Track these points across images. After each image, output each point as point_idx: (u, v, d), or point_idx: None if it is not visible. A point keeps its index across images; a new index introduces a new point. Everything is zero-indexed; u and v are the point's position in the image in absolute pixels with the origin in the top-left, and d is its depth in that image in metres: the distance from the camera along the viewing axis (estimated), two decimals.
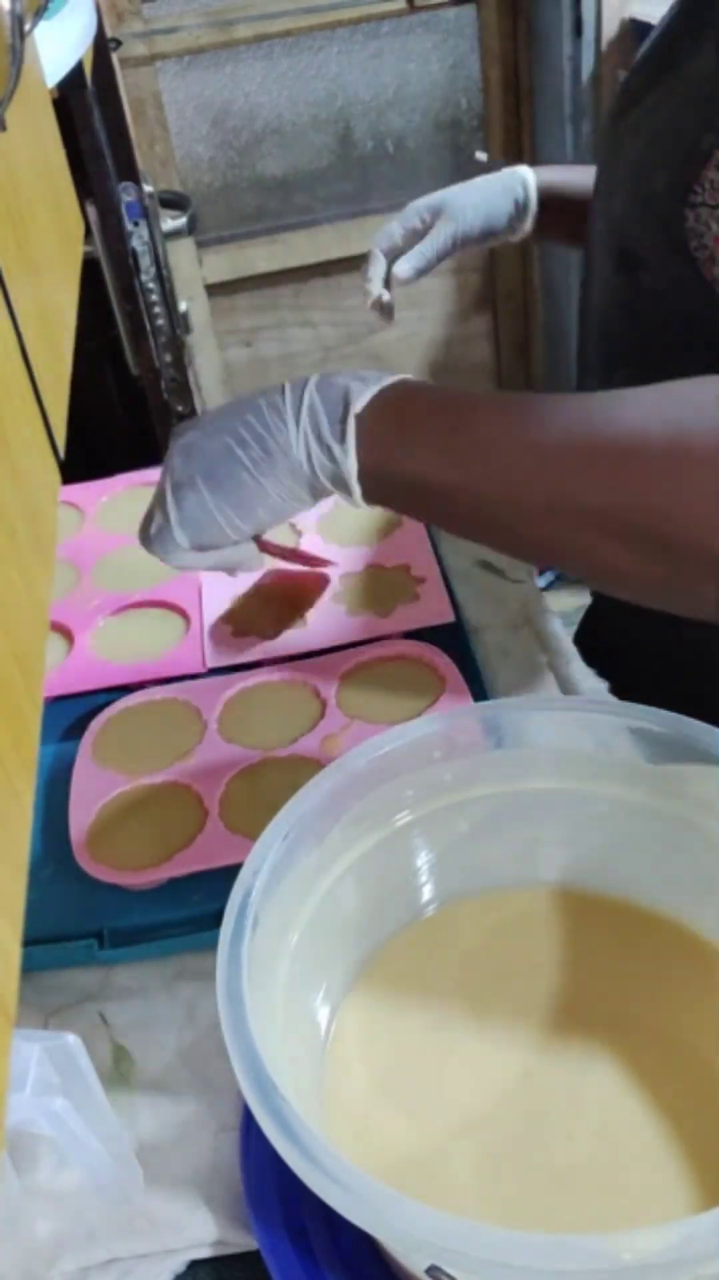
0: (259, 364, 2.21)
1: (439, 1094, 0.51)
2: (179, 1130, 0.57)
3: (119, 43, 1.69)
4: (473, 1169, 0.48)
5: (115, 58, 1.50)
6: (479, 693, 0.77)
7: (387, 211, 2.21)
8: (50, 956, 0.65)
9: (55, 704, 0.81)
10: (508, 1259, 0.35)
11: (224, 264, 2.11)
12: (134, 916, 0.66)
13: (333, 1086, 0.50)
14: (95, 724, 0.77)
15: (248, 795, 0.71)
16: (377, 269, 0.78)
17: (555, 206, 0.78)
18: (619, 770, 0.54)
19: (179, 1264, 0.53)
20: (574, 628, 0.91)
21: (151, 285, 1.37)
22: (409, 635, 0.82)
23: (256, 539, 0.60)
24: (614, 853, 0.57)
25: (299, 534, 0.93)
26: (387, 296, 0.78)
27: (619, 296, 0.65)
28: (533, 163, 0.80)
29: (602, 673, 0.81)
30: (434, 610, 0.84)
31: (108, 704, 0.79)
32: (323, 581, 0.87)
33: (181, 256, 1.95)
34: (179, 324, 1.53)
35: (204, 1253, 0.53)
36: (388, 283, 0.78)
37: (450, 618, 0.83)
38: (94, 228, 1.27)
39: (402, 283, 0.76)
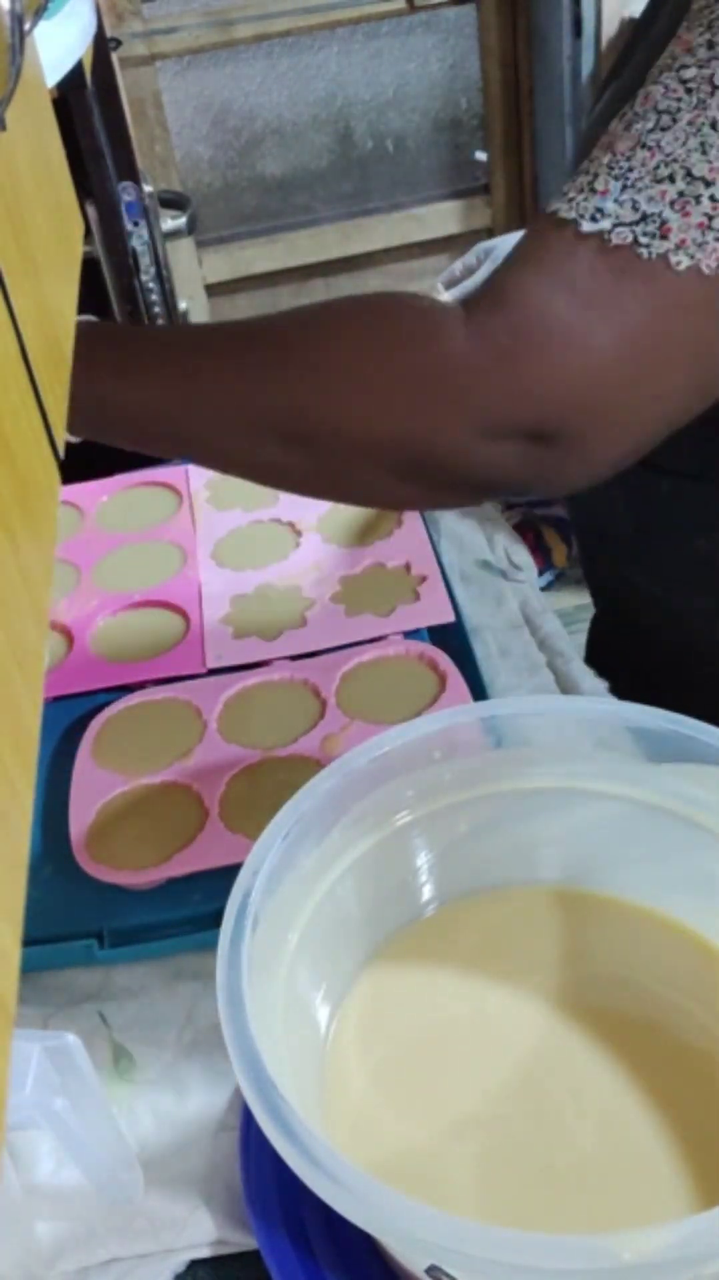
0: None
1: (439, 1094, 0.51)
2: (179, 1130, 0.57)
3: (119, 43, 1.69)
4: (473, 1169, 0.48)
5: (115, 58, 1.50)
6: (479, 693, 0.77)
7: (387, 211, 2.23)
8: (50, 956, 0.64)
9: (55, 704, 0.81)
10: (508, 1259, 0.35)
11: (224, 264, 2.11)
12: (134, 916, 0.66)
13: (333, 1086, 0.50)
14: (95, 724, 0.77)
15: (248, 795, 0.71)
16: None
17: None
18: (619, 770, 0.54)
19: (179, 1264, 0.53)
20: (574, 628, 0.91)
21: (151, 285, 1.37)
22: (409, 635, 0.82)
23: None
24: (614, 853, 0.57)
25: (299, 533, 0.93)
26: None
27: None
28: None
29: (602, 673, 0.81)
30: (434, 610, 0.84)
31: (108, 704, 0.79)
32: None
33: (181, 256, 1.95)
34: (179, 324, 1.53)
35: (204, 1253, 0.53)
36: None
37: (450, 618, 0.83)
38: (94, 228, 1.27)
39: None
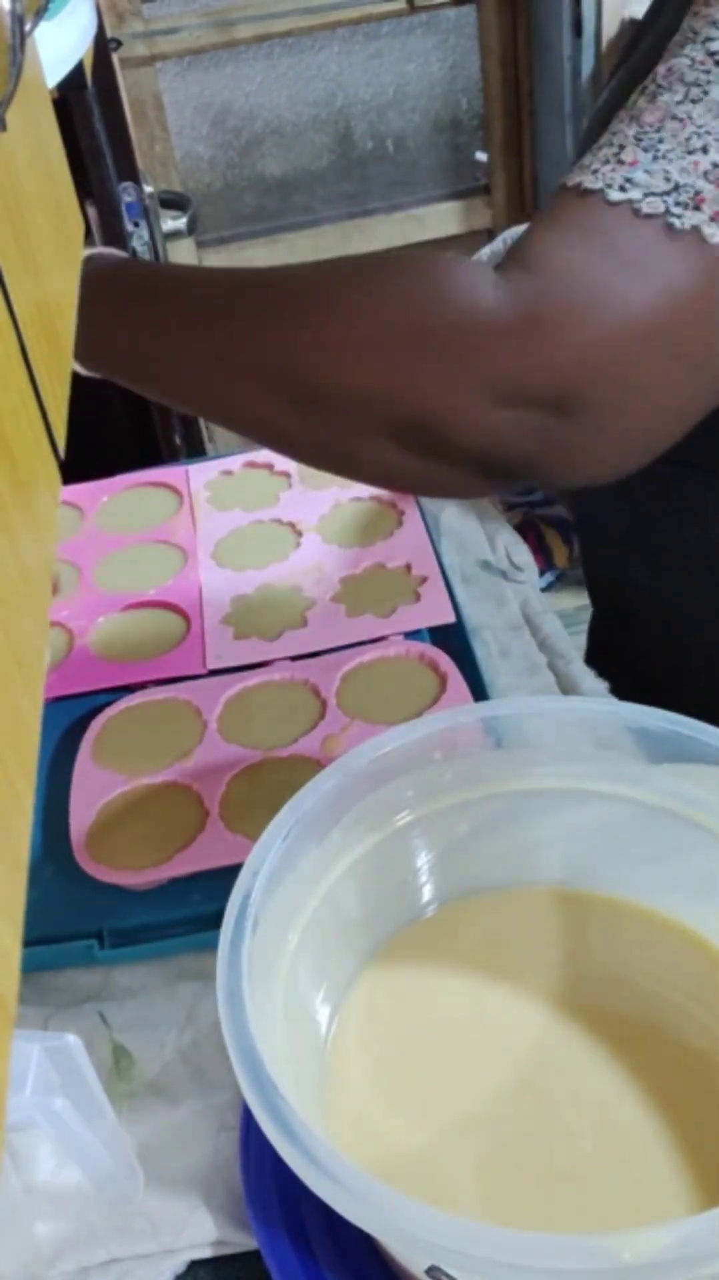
0: None
1: (439, 1094, 0.51)
2: (179, 1130, 0.57)
3: (119, 43, 1.69)
4: (473, 1169, 0.48)
5: (115, 58, 1.50)
6: (479, 693, 0.77)
7: (387, 212, 2.22)
8: (50, 956, 0.64)
9: (55, 704, 0.81)
10: (508, 1259, 0.35)
11: (224, 264, 2.11)
12: (134, 916, 0.66)
13: (333, 1086, 0.50)
14: (95, 724, 0.77)
15: (248, 795, 0.71)
16: None
17: None
18: (619, 770, 0.54)
19: (179, 1264, 0.53)
20: (575, 628, 0.91)
21: None
22: (409, 635, 0.82)
23: None
24: (614, 853, 0.57)
25: (299, 534, 0.93)
26: None
27: None
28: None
29: (602, 673, 0.81)
30: (434, 610, 0.84)
31: (108, 704, 0.79)
32: None
33: (181, 257, 1.95)
34: None
35: (204, 1253, 0.53)
36: None
37: (450, 618, 0.83)
38: (94, 228, 1.27)
39: None
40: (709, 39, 0.47)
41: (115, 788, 0.73)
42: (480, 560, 0.92)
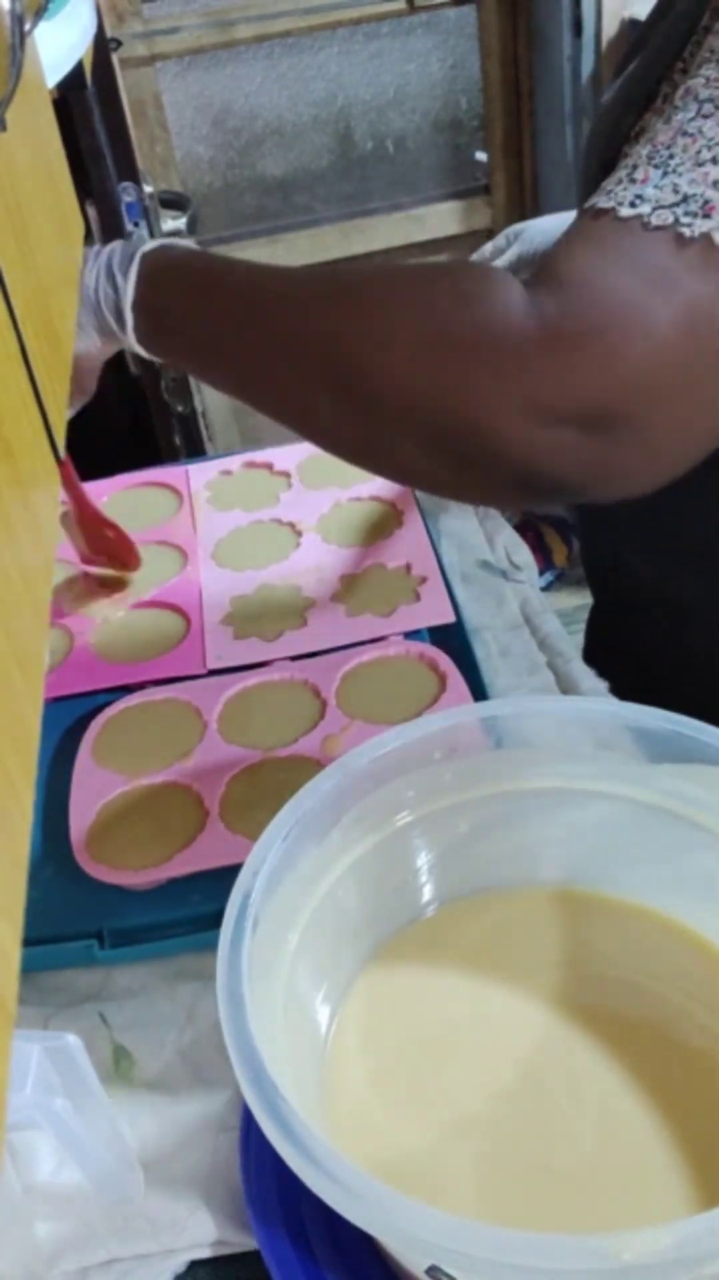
0: None
1: (439, 1094, 0.51)
2: (179, 1130, 0.57)
3: (119, 43, 1.69)
4: (473, 1169, 0.48)
5: (115, 58, 1.50)
6: (479, 693, 0.77)
7: (387, 212, 2.22)
8: (50, 956, 0.64)
9: (55, 704, 0.81)
10: (508, 1259, 0.35)
11: None
12: (134, 916, 0.66)
13: (333, 1086, 0.50)
14: (95, 724, 0.77)
15: (248, 795, 0.71)
16: None
17: None
18: (619, 770, 0.54)
19: (179, 1264, 0.53)
20: (574, 628, 0.91)
21: None
22: (409, 635, 0.82)
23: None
24: (614, 853, 0.57)
25: (299, 534, 0.93)
26: None
27: None
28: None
29: (602, 673, 0.81)
30: (434, 610, 0.84)
31: (108, 704, 0.79)
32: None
33: None
34: None
35: (204, 1253, 0.53)
36: None
37: (450, 618, 0.83)
38: (94, 228, 1.27)
39: None
40: None
41: (115, 788, 0.73)
42: (480, 560, 0.92)
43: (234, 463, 1.03)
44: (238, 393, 0.58)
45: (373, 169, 2.17)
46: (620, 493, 0.50)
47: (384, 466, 0.55)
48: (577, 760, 0.55)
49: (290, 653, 0.81)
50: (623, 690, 0.81)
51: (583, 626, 0.97)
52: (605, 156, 0.57)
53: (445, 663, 0.78)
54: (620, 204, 0.47)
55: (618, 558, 0.84)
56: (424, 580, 0.87)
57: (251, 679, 0.80)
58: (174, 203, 1.91)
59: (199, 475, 1.02)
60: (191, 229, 1.92)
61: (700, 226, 0.45)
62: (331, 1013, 0.53)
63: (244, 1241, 0.53)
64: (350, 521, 0.94)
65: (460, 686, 0.76)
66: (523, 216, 2.19)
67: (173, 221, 1.85)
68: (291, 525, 0.94)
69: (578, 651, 0.84)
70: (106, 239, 1.28)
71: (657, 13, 0.62)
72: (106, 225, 1.28)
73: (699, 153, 0.46)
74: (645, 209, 0.46)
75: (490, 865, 0.58)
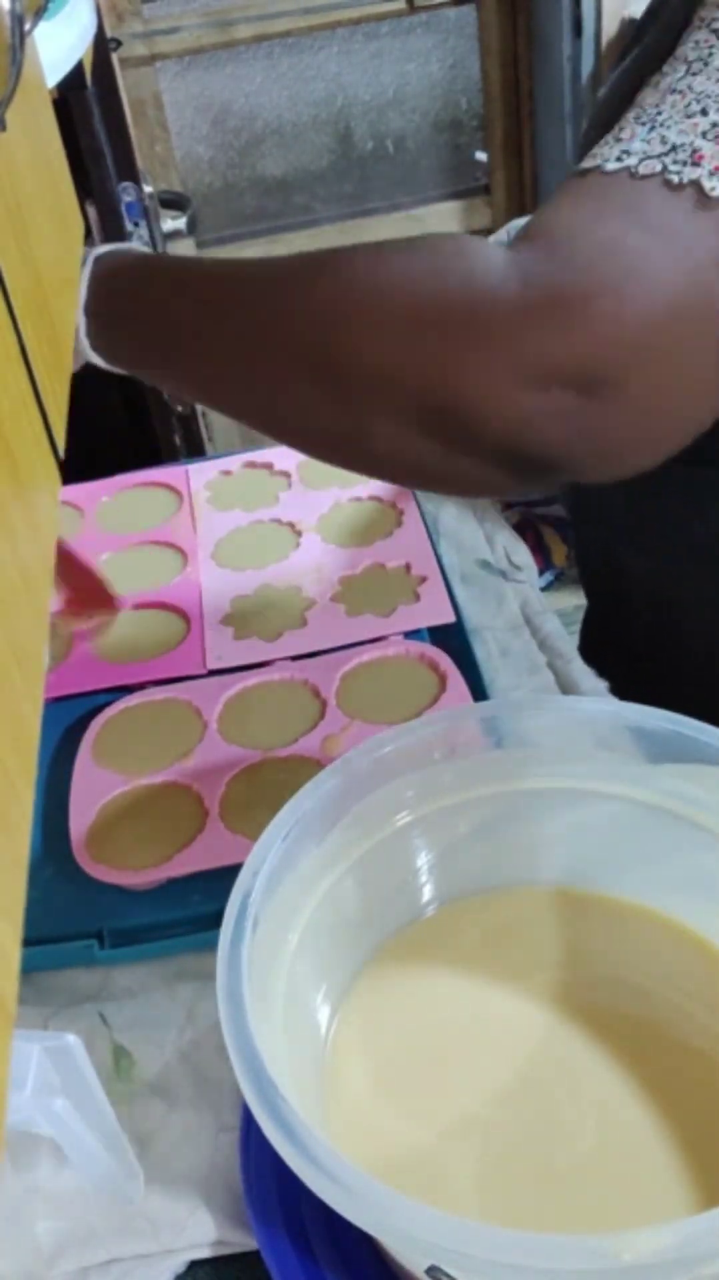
0: None
1: (439, 1094, 0.51)
2: (179, 1130, 0.57)
3: (119, 43, 1.69)
4: (473, 1169, 0.48)
5: (115, 58, 1.50)
6: (479, 693, 0.77)
7: (387, 212, 2.22)
8: (50, 956, 0.64)
9: (55, 704, 0.81)
10: (508, 1259, 0.35)
11: None
12: (134, 916, 0.66)
13: (333, 1086, 0.50)
14: (95, 724, 0.77)
15: (248, 795, 0.71)
16: None
17: None
18: (619, 770, 0.54)
19: (179, 1264, 0.53)
20: (574, 628, 0.91)
21: None
22: (409, 635, 0.82)
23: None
24: (614, 853, 0.57)
25: (299, 534, 0.93)
26: None
27: None
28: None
29: (602, 672, 0.81)
30: (434, 610, 0.84)
31: (108, 704, 0.79)
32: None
33: None
34: None
35: (204, 1253, 0.53)
36: None
37: (450, 618, 0.83)
38: (94, 228, 1.27)
39: None
40: (715, 20, 0.47)
41: (115, 788, 0.73)
42: (480, 560, 0.92)
43: (234, 463, 1.03)
44: (198, 392, 0.56)
45: (373, 169, 2.17)
46: (616, 466, 0.48)
47: (360, 456, 0.51)
48: (577, 760, 0.55)
49: (290, 653, 0.81)
50: (619, 687, 0.81)
51: None
52: None
53: (445, 663, 0.78)
54: (606, 160, 0.46)
55: (612, 555, 0.84)
56: (424, 580, 0.87)
57: (251, 679, 0.80)
58: (174, 203, 1.91)
59: (199, 475, 1.02)
60: (191, 229, 1.93)
61: (689, 174, 0.44)
62: (331, 1013, 0.53)
63: (244, 1241, 0.53)
64: (350, 521, 0.94)
65: (460, 686, 0.76)
66: (523, 216, 2.19)
67: (173, 221, 1.86)
68: (291, 525, 0.94)
69: (578, 652, 0.84)
70: (106, 239, 1.28)
71: (650, 11, 0.62)
72: (106, 225, 1.27)
73: (688, 105, 0.45)
74: (632, 161, 0.45)
75: (490, 865, 0.58)
